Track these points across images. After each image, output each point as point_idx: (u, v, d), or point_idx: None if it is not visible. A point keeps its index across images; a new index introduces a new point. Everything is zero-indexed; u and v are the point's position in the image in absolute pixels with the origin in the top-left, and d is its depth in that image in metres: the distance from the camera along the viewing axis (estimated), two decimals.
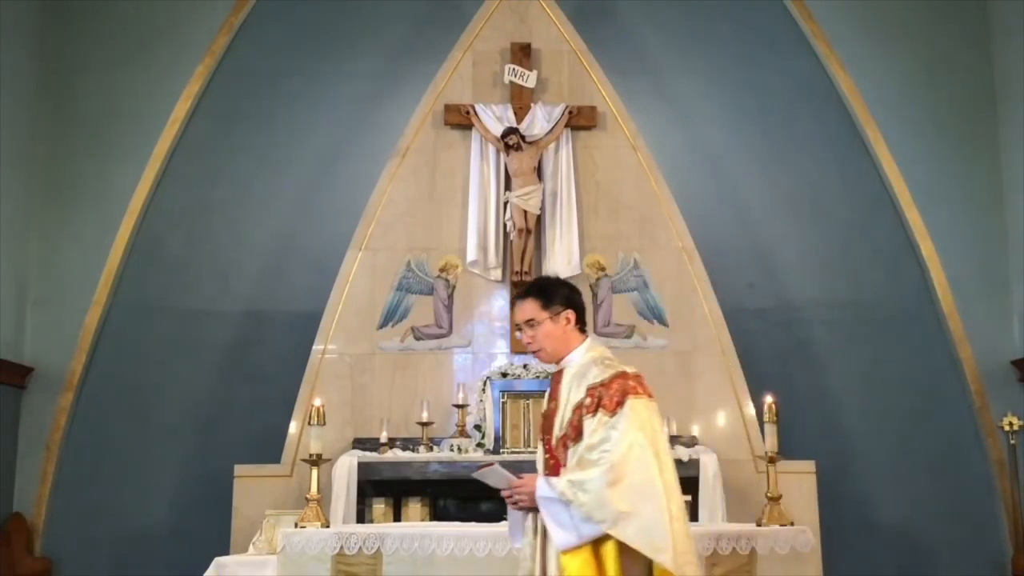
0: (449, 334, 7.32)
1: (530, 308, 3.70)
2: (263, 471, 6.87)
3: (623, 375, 3.47)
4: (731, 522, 6.30)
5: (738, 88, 8.44)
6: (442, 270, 7.39)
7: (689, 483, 6.52)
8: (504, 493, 3.55)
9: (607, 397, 3.42)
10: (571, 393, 3.54)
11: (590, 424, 3.41)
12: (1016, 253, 8.01)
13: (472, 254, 7.33)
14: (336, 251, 7.47)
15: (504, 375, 7.00)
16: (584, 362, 3.60)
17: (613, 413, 3.39)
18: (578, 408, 3.47)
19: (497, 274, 7.37)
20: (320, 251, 7.88)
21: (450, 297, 7.37)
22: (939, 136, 8.30)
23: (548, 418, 3.65)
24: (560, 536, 3.33)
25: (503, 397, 6.92)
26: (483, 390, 6.94)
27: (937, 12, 8.49)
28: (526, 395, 6.97)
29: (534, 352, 3.75)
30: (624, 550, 3.28)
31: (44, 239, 7.94)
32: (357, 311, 7.30)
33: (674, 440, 6.90)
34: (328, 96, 8.32)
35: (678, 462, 6.62)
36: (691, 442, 6.98)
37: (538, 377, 7.03)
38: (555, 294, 3.74)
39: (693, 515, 6.54)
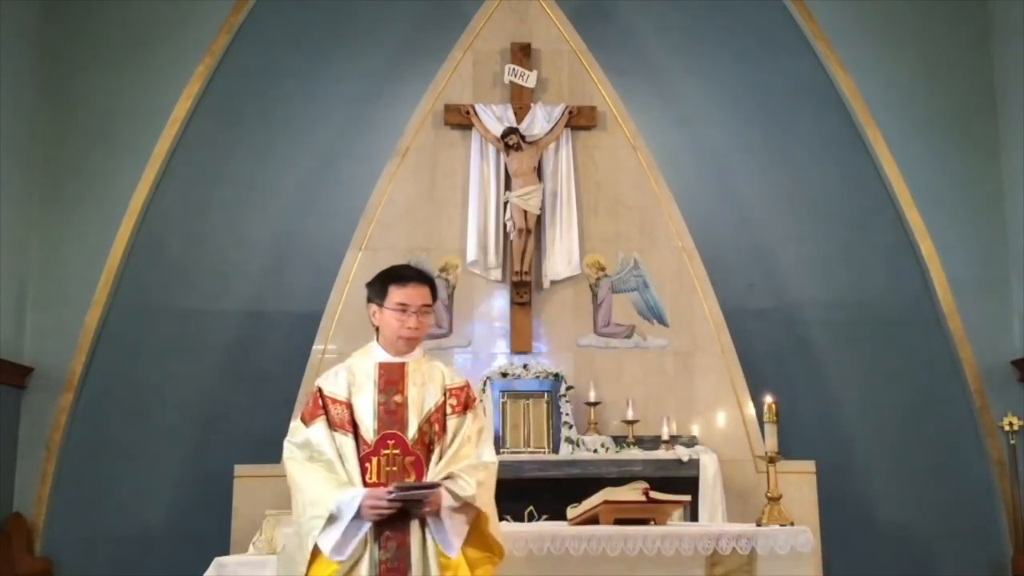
0: (449, 334, 7.32)
1: (428, 294, 3.69)
2: (263, 471, 6.85)
3: (467, 383, 3.73)
4: (731, 522, 6.30)
5: (738, 88, 8.44)
6: (442, 270, 7.39)
7: (689, 483, 6.54)
8: (426, 509, 3.40)
9: (468, 399, 3.64)
10: (422, 392, 3.58)
11: (455, 423, 3.58)
12: (1016, 253, 8.01)
13: (472, 254, 7.33)
14: (336, 251, 7.47)
15: (504, 375, 7.00)
16: (425, 361, 3.67)
17: (475, 416, 3.64)
18: (440, 408, 3.58)
19: (497, 274, 7.37)
20: (320, 251, 7.88)
21: (450, 297, 7.37)
22: (939, 136, 8.31)
23: (394, 413, 3.54)
24: (456, 543, 3.45)
25: (503, 397, 6.93)
26: (483, 390, 6.94)
27: (937, 12, 8.49)
28: (526, 395, 6.97)
29: (415, 338, 3.64)
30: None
31: (44, 239, 7.94)
32: (357, 311, 7.22)
33: (674, 440, 6.91)
34: (328, 96, 8.32)
35: (678, 462, 6.72)
36: (691, 442, 6.99)
37: (538, 377, 7.04)
38: (437, 292, 3.83)
39: (693, 515, 6.55)
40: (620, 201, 7.57)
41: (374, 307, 3.69)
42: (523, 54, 7.66)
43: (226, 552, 6.24)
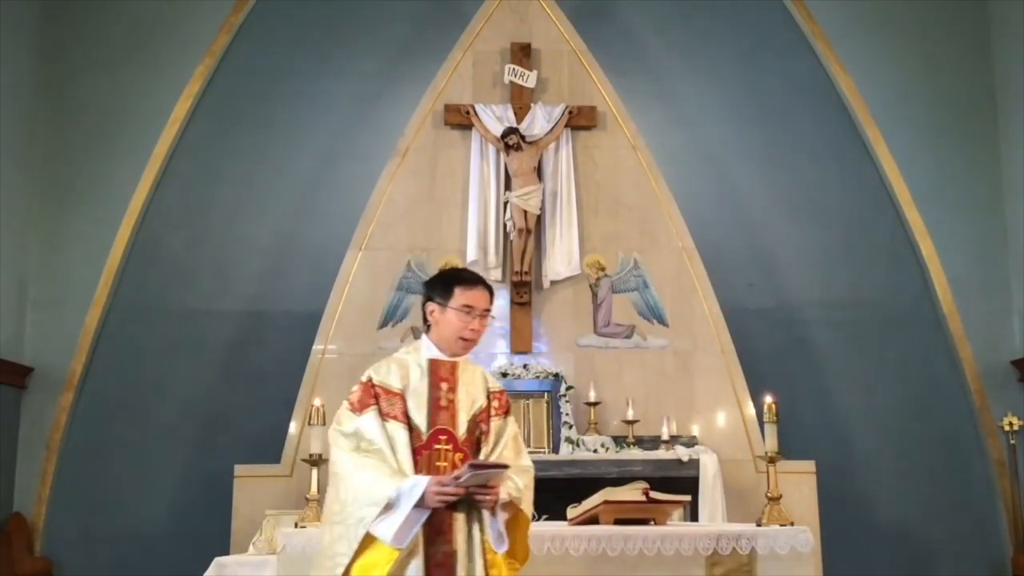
0: None
1: (491, 300, 3.70)
2: (263, 471, 6.88)
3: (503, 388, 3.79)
4: (731, 522, 6.30)
5: (738, 88, 8.44)
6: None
7: (689, 483, 6.53)
8: (490, 498, 3.40)
9: (507, 404, 3.71)
10: (470, 392, 3.61)
11: (497, 425, 3.63)
12: (1016, 253, 8.01)
13: (472, 254, 7.33)
14: (336, 251, 7.47)
15: (504, 375, 7.00)
16: (468, 363, 3.70)
17: (513, 421, 3.70)
18: (485, 410, 3.61)
19: (497, 274, 7.37)
20: (320, 251, 7.88)
21: None
22: (939, 136, 8.30)
23: (445, 409, 3.54)
24: (507, 538, 3.47)
25: None
26: None
27: (937, 12, 8.49)
28: (526, 395, 6.98)
29: (472, 341, 3.65)
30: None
31: (44, 239, 7.94)
32: (357, 311, 7.30)
33: (674, 440, 6.91)
34: (328, 96, 8.32)
35: (678, 462, 6.72)
36: (691, 442, 6.98)
37: (538, 377, 7.04)
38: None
39: (693, 515, 6.55)
40: (620, 201, 7.57)
41: (433, 306, 3.65)
42: (523, 54, 7.66)
43: (226, 552, 6.25)
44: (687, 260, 7.43)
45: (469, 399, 3.58)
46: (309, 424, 5.55)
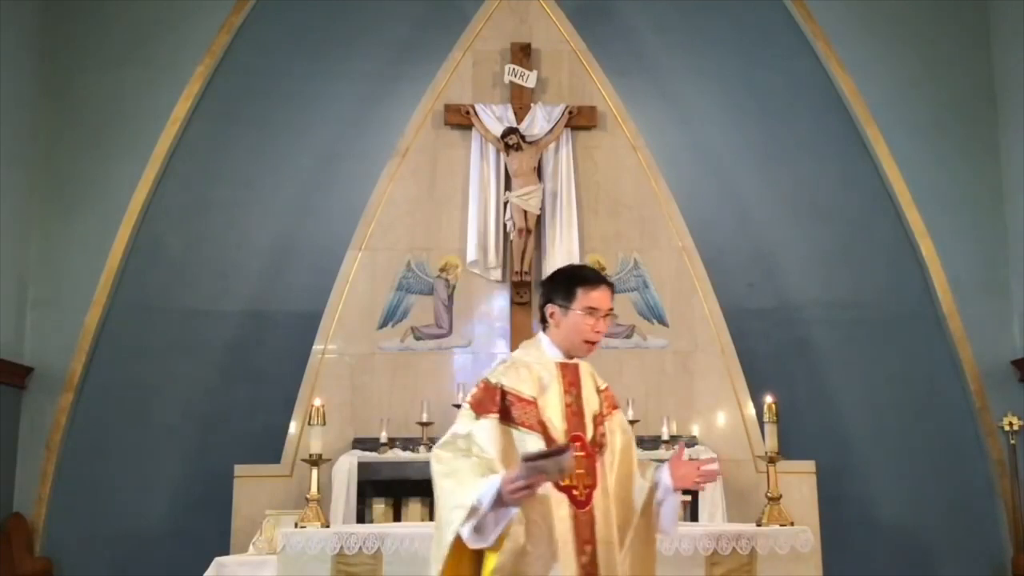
0: (449, 334, 7.32)
1: (612, 298, 3.61)
2: (263, 471, 6.87)
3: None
4: (731, 522, 6.30)
5: (738, 88, 8.44)
6: (442, 270, 7.39)
7: None
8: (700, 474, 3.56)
9: (614, 399, 3.63)
10: (588, 393, 3.53)
11: (611, 422, 3.54)
12: (1016, 253, 8.01)
13: (472, 254, 7.33)
14: (336, 251, 7.47)
15: None
16: (584, 365, 3.63)
17: (615, 413, 3.59)
18: (601, 409, 3.54)
19: (497, 274, 7.37)
20: (320, 251, 7.88)
21: (450, 297, 7.37)
22: (939, 136, 8.30)
23: (577, 414, 3.45)
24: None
25: None
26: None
27: (937, 12, 8.49)
28: None
29: (596, 346, 3.58)
30: None
31: (44, 239, 7.94)
32: (357, 311, 7.30)
33: (674, 440, 6.90)
34: (328, 96, 8.32)
35: None
36: (691, 442, 6.98)
37: None
38: None
39: (693, 515, 6.54)
40: (620, 201, 7.57)
41: (554, 308, 3.57)
42: (523, 54, 7.66)
43: (226, 552, 6.25)
44: (687, 260, 7.43)
45: (589, 401, 3.51)
46: (309, 424, 5.55)
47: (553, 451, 3.18)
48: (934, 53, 8.43)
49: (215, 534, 6.67)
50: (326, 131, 8.27)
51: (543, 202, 7.38)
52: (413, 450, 6.78)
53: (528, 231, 7.30)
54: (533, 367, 3.50)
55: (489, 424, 3.35)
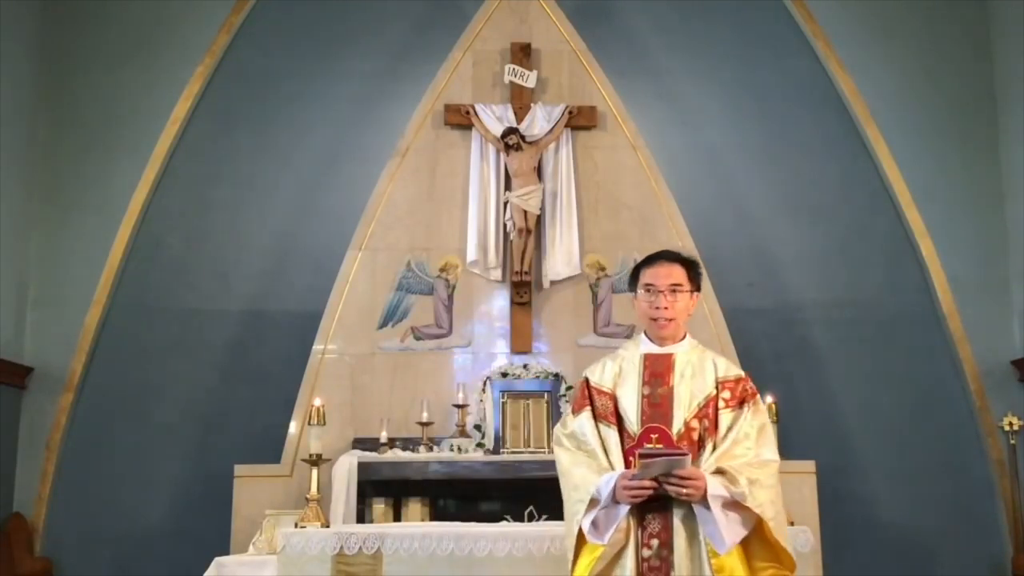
0: (449, 334, 7.32)
1: (680, 273, 3.53)
2: (263, 471, 6.87)
3: (746, 375, 3.54)
4: None
5: (738, 88, 8.43)
6: (442, 270, 7.39)
7: None
8: (681, 484, 3.20)
9: (745, 393, 3.46)
10: (691, 383, 3.44)
11: (728, 418, 3.42)
12: (1016, 253, 8.01)
13: (472, 254, 7.33)
14: (336, 251, 7.47)
15: (504, 375, 7.00)
16: (696, 352, 3.53)
17: (754, 412, 3.44)
18: (712, 401, 3.42)
19: (497, 274, 7.37)
20: (320, 251, 7.88)
21: (450, 297, 7.37)
22: (939, 136, 8.30)
23: (659, 406, 3.40)
24: (729, 540, 3.25)
25: (503, 397, 6.91)
26: (483, 390, 6.94)
27: (937, 12, 8.48)
28: (526, 395, 6.96)
29: (665, 319, 3.49)
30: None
31: (44, 239, 7.94)
32: (357, 311, 7.30)
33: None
34: (328, 96, 8.31)
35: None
36: None
37: (538, 377, 7.02)
38: (699, 276, 3.65)
39: None
40: (620, 201, 7.57)
41: (634, 297, 3.61)
42: (523, 54, 7.66)
43: (226, 552, 6.25)
44: None
45: (687, 392, 3.42)
46: (309, 424, 5.56)
47: (671, 452, 3.18)
48: (934, 53, 8.42)
49: (215, 534, 6.66)
50: (326, 131, 8.27)
51: (543, 202, 7.38)
52: (413, 450, 6.78)
53: (528, 231, 7.30)
54: (619, 359, 3.56)
55: (585, 418, 3.47)
